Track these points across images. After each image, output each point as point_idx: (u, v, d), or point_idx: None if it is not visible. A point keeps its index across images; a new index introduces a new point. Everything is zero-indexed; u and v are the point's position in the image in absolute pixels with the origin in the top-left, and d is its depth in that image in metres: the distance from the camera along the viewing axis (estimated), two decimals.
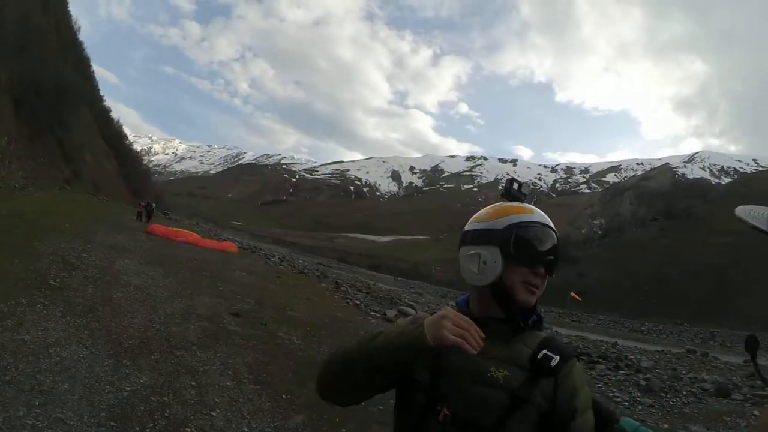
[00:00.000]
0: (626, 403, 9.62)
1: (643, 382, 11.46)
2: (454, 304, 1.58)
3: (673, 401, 10.14)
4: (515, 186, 1.55)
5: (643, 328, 42.52)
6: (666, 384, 11.51)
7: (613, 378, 11.96)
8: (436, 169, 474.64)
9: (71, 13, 52.37)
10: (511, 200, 1.52)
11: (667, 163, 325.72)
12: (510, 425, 1.29)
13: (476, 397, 1.33)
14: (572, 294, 47.23)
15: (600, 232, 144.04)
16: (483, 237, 1.45)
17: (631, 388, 10.96)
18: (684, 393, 10.80)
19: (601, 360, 14.36)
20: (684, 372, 13.85)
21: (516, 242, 1.41)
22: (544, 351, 1.35)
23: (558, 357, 1.33)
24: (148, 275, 11.13)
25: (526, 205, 1.50)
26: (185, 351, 6.55)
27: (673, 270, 76.48)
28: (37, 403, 4.18)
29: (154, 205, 32.67)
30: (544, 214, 1.47)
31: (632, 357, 15.88)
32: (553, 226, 1.46)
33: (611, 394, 10.22)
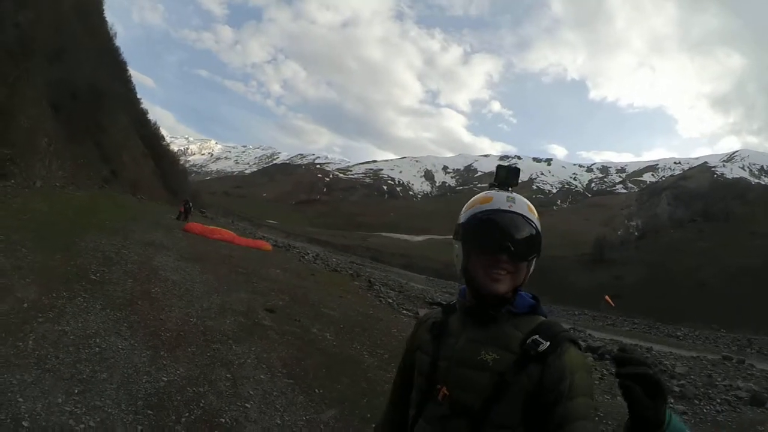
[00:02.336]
0: None
1: (676, 389, 11.17)
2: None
3: (706, 409, 9.88)
4: (502, 173, 1.61)
5: (678, 333, 41.35)
6: (700, 391, 11.22)
7: None
8: (470, 169, 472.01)
9: (107, 19, 53.53)
10: (500, 188, 1.59)
11: (706, 163, 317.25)
12: (497, 407, 1.37)
13: (467, 379, 1.44)
14: (606, 298, 46.37)
15: (636, 234, 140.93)
16: (455, 231, 1.58)
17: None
18: (718, 401, 10.51)
19: None
20: (719, 379, 13.46)
21: (467, 232, 1.53)
22: (535, 336, 1.40)
23: (548, 342, 1.37)
24: (186, 271, 11.30)
25: (493, 192, 1.56)
26: (221, 344, 6.64)
27: (710, 273, 74.32)
28: (76, 391, 4.28)
29: (191, 203, 33.19)
30: (509, 199, 1.52)
31: (667, 362, 15.49)
32: (519, 210, 1.50)
33: None
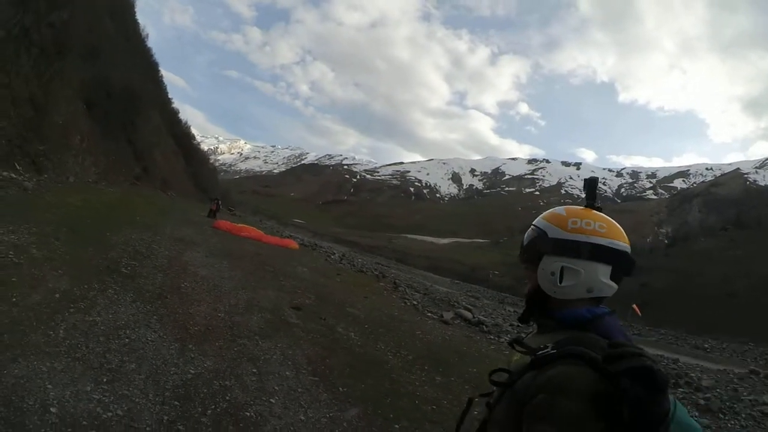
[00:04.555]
0: None
1: (702, 402, 10.96)
2: None
3: (731, 423, 9.67)
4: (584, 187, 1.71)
5: (706, 345, 40.37)
6: (725, 405, 10.99)
7: (671, 396, 11.42)
8: (497, 172, 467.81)
9: (138, 20, 54.58)
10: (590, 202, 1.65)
11: (738, 169, 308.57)
12: (498, 405, 1.44)
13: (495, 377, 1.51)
14: (634, 306, 45.59)
15: (666, 241, 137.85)
16: None
17: (689, 407, 10.46)
18: (743, 416, 10.28)
19: None
20: (745, 394, 13.10)
21: None
22: (549, 345, 1.38)
23: (553, 352, 1.33)
24: (214, 267, 11.43)
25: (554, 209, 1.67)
26: (248, 340, 6.68)
27: (741, 283, 71.97)
28: (104, 380, 4.35)
29: (220, 202, 33.64)
30: (545, 213, 1.64)
31: (693, 375, 15.12)
32: (537, 222, 1.62)
33: None
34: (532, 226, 1.62)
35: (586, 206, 1.61)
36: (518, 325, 17.12)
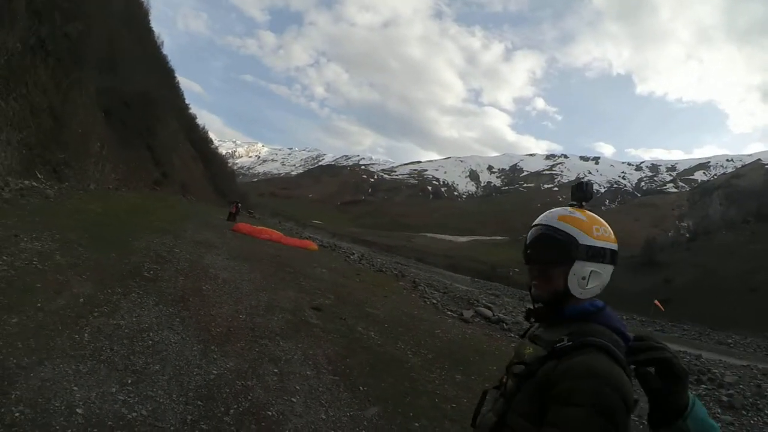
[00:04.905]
0: None
1: (724, 398, 10.77)
2: None
3: (754, 420, 9.52)
4: (573, 191, 1.79)
5: (730, 341, 39.50)
6: (748, 401, 10.77)
7: (694, 392, 11.13)
8: (515, 168, 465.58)
9: (153, 28, 55.29)
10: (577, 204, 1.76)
11: (759, 160, 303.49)
12: (518, 395, 1.52)
13: (514, 369, 1.61)
14: (656, 302, 45.08)
15: (687, 235, 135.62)
16: None
17: (711, 404, 10.33)
18: (767, 412, 10.05)
19: None
20: None
21: None
22: (566, 337, 1.49)
23: (570, 343, 1.45)
24: (235, 269, 11.54)
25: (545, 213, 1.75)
26: (269, 340, 6.75)
27: (764, 277, 70.62)
28: (129, 381, 4.42)
29: (240, 204, 33.91)
30: (548, 212, 1.73)
31: (716, 371, 14.85)
32: (540, 221, 1.71)
33: None
34: (548, 227, 1.65)
35: (579, 206, 1.73)
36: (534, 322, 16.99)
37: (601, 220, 1.68)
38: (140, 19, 48.93)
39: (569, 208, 1.71)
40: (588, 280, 1.59)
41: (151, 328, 5.91)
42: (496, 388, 1.76)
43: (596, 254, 1.61)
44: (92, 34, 24.21)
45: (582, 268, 1.59)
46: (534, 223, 1.73)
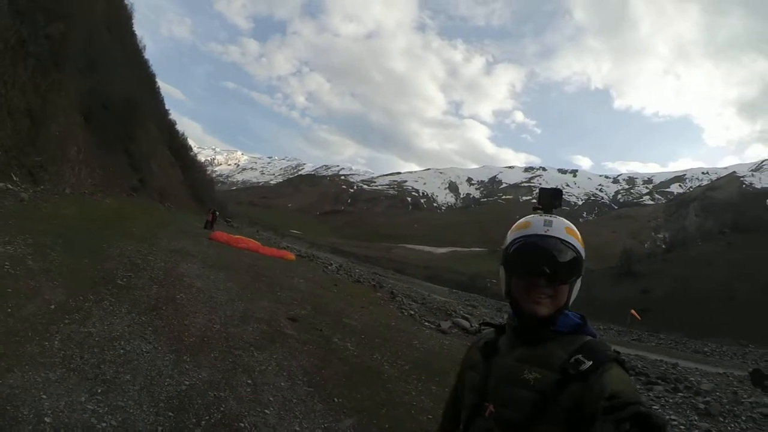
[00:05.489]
0: (682, 427, 9.22)
1: (701, 406, 10.93)
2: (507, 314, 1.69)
3: (731, 426, 9.67)
4: (544, 196, 1.72)
5: (706, 349, 40.13)
6: (725, 408, 10.97)
7: (671, 400, 11.46)
8: (494, 180, 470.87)
9: (136, 32, 54.82)
10: (544, 211, 1.66)
11: (734, 172, 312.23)
12: (540, 424, 1.39)
13: (510, 397, 1.48)
14: (632, 311, 45.76)
15: (664, 246, 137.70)
16: (500, 256, 1.65)
17: (688, 412, 10.49)
18: (743, 418, 10.26)
19: (659, 381, 13.79)
20: (745, 396, 13.03)
21: (507, 257, 1.60)
22: (578, 355, 1.41)
23: (590, 362, 1.38)
24: (210, 279, 11.43)
25: (532, 217, 1.64)
26: (243, 351, 6.69)
27: (741, 287, 71.51)
28: (99, 391, 4.36)
29: (217, 213, 33.62)
30: (547, 223, 1.58)
31: (692, 379, 15.12)
32: (556, 234, 1.54)
33: (668, 417, 9.77)
34: (568, 244, 1.53)
35: (549, 207, 1.67)
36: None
37: (521, 220, 1.65)
38: (123, 22, 48.35)
39: (563, 219, 1.61)
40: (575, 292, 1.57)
41: (122, 337, 5.83)
42: (476, 414, 1.58)
43: (583, 266, 1.58)
44: (74, 35, 23.91)
45: (578, 282, 1.57)
46: (550, 234, 1.54)
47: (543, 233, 1.55)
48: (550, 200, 1.68)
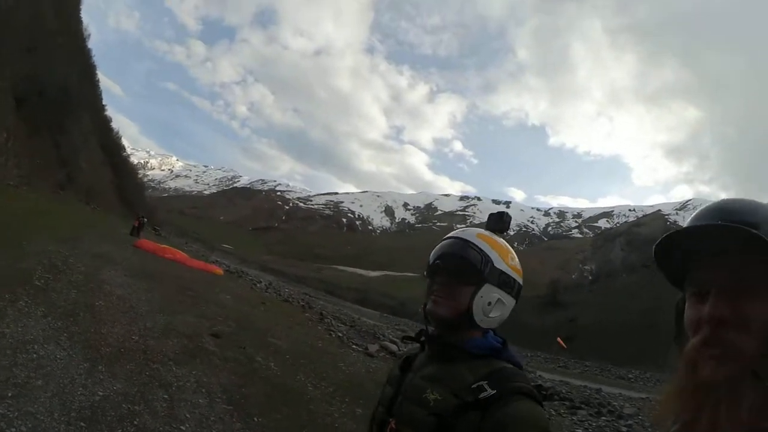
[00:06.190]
0: None
1: (624, 429, 11.44)
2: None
3: None
4: (489, 221, 1.68)
5: (630, 376, 41.89)
6: (647, 431, 11.45)
7: (594, 424, 11.94)
8: (430, 207, 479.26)
9: (83, 19, 52.98)
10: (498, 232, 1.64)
11: (659, 210, 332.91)
12: None
13: (410, 416, 1.42)
14: (558, 339, 47.27)
15: (590, 278, 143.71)
16: None
17: None
18: None
19: (583, 406, 14.37)
20: None
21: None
22: (483, 382, 1.33)
23: (494, 391, 1.29)
24: (132, 288, 11.07)
25: (461, 229, 1.62)
26: (161, 365, 6.52)
27: (662, 317, 75.65)
28: (9, 395, 4.19)
29: (145, 219, 32.54)
30: (465, 228, 1.59)
31: (615, 404, 15.83)
32: (457, 235, 1.56)
33: None
34: (467, 242, 1.51)
35: (495, 231, 1.63)
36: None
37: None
38: (71, 7, 46.65)
39: (484, 230, 1.61)
40: (492, 308, 1.47)
41: (36, 341, 5.61)
42: (381, 430, 1.54)
43: (506, 282, 1.50)
44: (18, 14, 22.83)
45: (490, 292, 1.46)
46: (447, 236, 1.58)
47: (452, 234, 1.57)
48: (494, 223, 1.65)
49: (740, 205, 0.97)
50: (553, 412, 11.96)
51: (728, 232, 0.90)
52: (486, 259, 1.47)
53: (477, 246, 1.49)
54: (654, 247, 1.10)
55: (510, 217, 1.68)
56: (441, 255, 1.53)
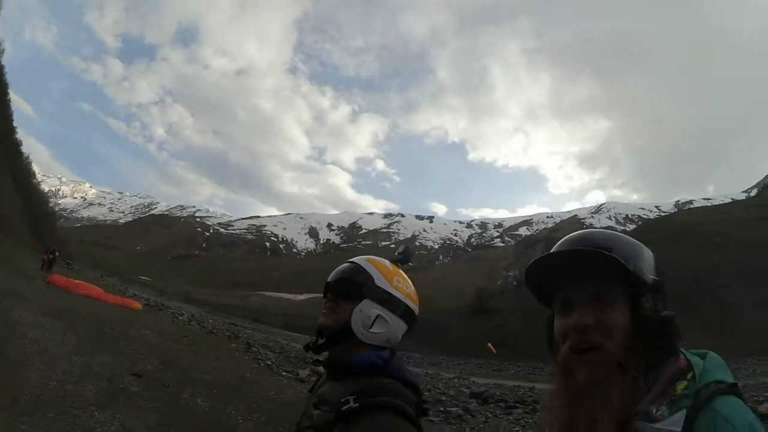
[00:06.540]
0: None
1: None
2: None
3: None
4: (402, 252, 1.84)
5: None
6: None
7: (531, 420, 12.42)
8: (354, 226, 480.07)
9: None
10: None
11: (575, 215, 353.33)
12: None
13: (301, 430, 1.55)
14: (489, 345, 48.58)
15: (515, 283, 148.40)
16: None
17: None
18: None
19: (517, 405, 14.90)
20: None
21: None
22: (351, 397, 1.39)
23: (357, 404, 1.36)
24: (46, 328, 10.55)
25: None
26: (82, 411, 6.29)
27: None
28: None
29: (57, 252, 30.88)
30: (371, 258, 1.73)
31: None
32: (353, 260, 1.72)
33: None
34: (354, 264, 1.68)
35: (397, 262, 1.78)
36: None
37: (410, 282, 1.72)
38: None
39: (378, 257, 1.75)
40: (372, 323, 1.57)
41: None
42: None
43: (388, 301, 1.61)
44: None
45: (369, 308, 1.58)
46: (348, 261, 1.74)
47: (347, 261, 1.74)
48: (397, 255, 1.82)
49: (598, 235, 1.26)
50: (490, 415, 12.33)
51: (588, 255, 1.18)
52: (367, 277, 1.63)
53: (362, 267, 1.66)
54: (524, 270, 1.34)
55: (412, 252, 1.92)
56: (333, 275, 1.70)
